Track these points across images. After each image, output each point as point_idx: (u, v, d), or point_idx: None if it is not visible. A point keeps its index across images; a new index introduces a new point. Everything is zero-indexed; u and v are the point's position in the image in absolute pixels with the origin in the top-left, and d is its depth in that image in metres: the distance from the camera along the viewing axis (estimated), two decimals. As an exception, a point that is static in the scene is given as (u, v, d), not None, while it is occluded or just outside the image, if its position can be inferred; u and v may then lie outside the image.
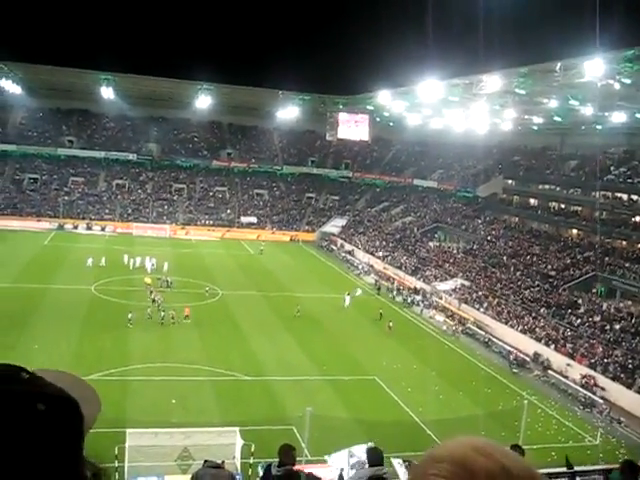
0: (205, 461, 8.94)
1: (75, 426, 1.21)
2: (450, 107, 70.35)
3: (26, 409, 1.13)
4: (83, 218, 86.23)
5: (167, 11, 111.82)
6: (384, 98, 73.96)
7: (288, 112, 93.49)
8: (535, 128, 75.60)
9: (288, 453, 8.08)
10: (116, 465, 22.49)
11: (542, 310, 50.80)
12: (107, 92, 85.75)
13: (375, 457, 7.46)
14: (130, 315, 44.49)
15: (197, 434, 25.17)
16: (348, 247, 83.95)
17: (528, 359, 45.15)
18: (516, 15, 57.18)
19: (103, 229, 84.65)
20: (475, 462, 1.13)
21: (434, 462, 1.16)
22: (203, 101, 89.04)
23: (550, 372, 42.95)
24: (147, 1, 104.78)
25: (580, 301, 50.75)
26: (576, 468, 14.77)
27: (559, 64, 47.12)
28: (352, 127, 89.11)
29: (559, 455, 27.72)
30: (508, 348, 46.79)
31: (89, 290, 52.89)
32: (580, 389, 39.91)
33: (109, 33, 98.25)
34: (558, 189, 71.18)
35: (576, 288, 53.01)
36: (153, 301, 49.04)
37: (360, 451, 21.93)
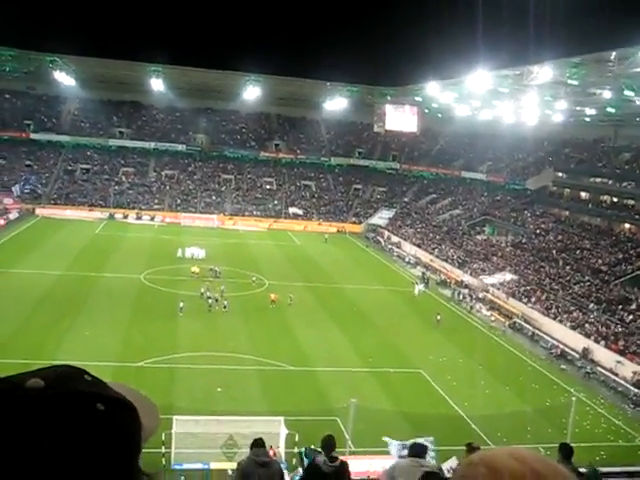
0: (253, 442, 8.78)
1: (132, 430, 1.23)
2: (500, 98, 69.39)
3: (86, 408, 1.16)
4: (133, 208, 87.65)
5: (216, 2, 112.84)
6: (433, 89, 73.25)
7: (336, 103, 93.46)
8: (587, 120, 74.02)
9: (331, 443, 8.09)
10: (163, 451, 22.95)
11: (592, 306, 49.76)
12: (157, 84, 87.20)
13: (417, 449, 7.24)
14: (181, 304, 45.11)
15: (242, 422, 25.43)
16: (395, 239, 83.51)
17: (577, 355, 44.35)
18: (568, 2, 55.92)
19: (152, 219, 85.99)
20: (504, 464, 1.18)
21: (469, 465, 1.24)
22: (251, 92, 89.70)
23: (599, 369, 42.07)
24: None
25: (632, 297, 49.51)
26: (628, 469, 14.45)
27: (614, 53, 45.97)
28: (400, 118, 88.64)
29: (608, 454, 27.26)
30: (556, 343, 46.05)
31: (138, 279, 53.84)
32: (631, 387, 38.98)
33: (159, 26, 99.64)
34: (610, 182, 69.48)
35: (628, 284, 51.66)
36: (202, 294, 48.80)
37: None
